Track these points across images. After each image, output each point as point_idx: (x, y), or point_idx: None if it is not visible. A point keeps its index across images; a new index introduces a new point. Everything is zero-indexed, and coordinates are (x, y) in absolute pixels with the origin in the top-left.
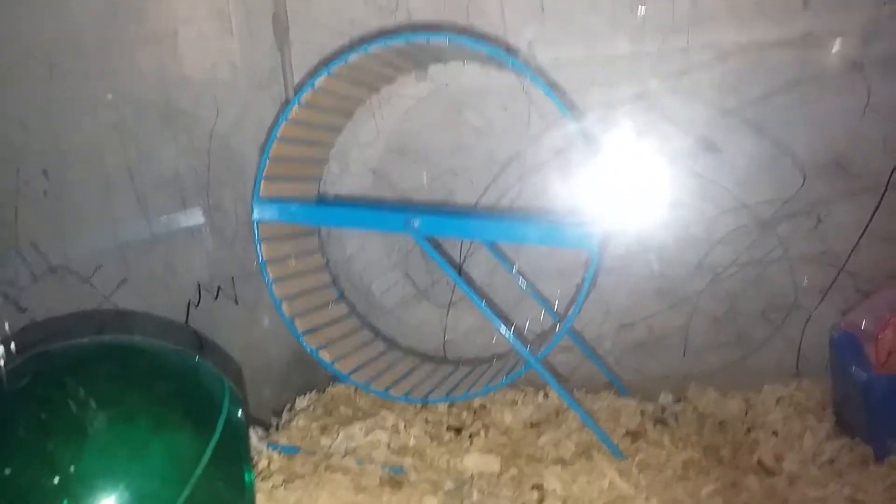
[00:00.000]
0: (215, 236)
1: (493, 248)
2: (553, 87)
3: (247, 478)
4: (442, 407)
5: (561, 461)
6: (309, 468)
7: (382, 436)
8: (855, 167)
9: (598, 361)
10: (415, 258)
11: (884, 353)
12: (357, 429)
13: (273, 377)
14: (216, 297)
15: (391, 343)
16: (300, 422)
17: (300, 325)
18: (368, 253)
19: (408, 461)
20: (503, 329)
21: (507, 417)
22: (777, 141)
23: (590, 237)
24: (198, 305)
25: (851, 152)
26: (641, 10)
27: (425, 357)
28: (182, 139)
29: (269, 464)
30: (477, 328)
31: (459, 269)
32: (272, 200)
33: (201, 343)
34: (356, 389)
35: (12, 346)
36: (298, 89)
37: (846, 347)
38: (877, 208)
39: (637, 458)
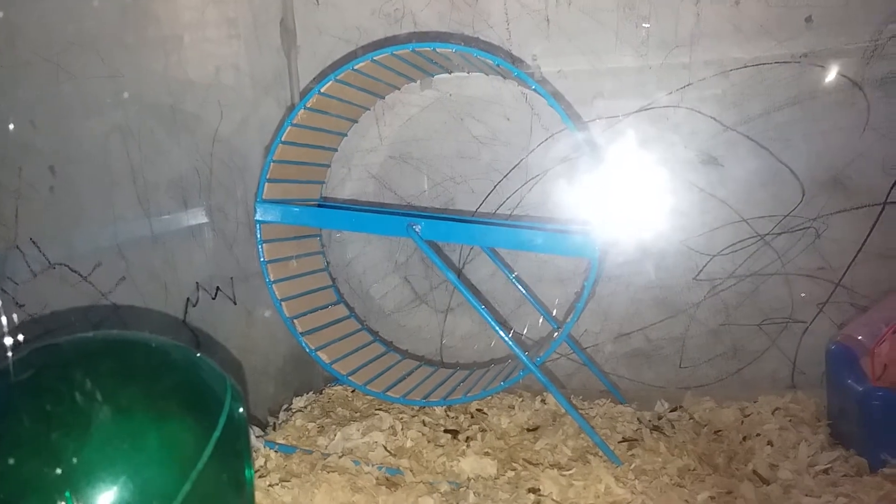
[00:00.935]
0: (215, 237)
1: (493, 254)
2: (557, 98)
3: (247, 474)
4: (439, 410)
5: (557, 465)
6: (305, 467)
7: (379, 437)
8: (853, 184)
9: (595, 369)
10: (414, 263)
11: (880, 367)
12: (354, 429)
13: (270, 377)
14: (214, 297)
15: (389, 346)
16: (297, 422)
17: (300, 326)
18: (369, 257)
19: (404, 463)
20: (502, 333)
21: (504, 421)
22: (777, 156)
23: (591, 246)
24: (196, 305)
25: (850, 169)
26: (645, 25)
27: (423, 361)
28: (186, 141)
29: (265, 462)
30: (474, 333)
31: (459, 275)
32: (275, 202)
33: (198, 341)
34: (353, 391)
35: (8, 341)
36: (305, 94)
37: (843, 360)
38: (874, 225)
39: (633, 465)
